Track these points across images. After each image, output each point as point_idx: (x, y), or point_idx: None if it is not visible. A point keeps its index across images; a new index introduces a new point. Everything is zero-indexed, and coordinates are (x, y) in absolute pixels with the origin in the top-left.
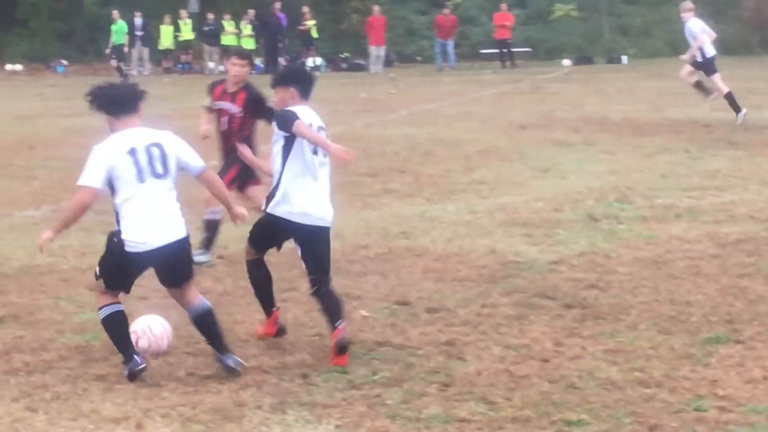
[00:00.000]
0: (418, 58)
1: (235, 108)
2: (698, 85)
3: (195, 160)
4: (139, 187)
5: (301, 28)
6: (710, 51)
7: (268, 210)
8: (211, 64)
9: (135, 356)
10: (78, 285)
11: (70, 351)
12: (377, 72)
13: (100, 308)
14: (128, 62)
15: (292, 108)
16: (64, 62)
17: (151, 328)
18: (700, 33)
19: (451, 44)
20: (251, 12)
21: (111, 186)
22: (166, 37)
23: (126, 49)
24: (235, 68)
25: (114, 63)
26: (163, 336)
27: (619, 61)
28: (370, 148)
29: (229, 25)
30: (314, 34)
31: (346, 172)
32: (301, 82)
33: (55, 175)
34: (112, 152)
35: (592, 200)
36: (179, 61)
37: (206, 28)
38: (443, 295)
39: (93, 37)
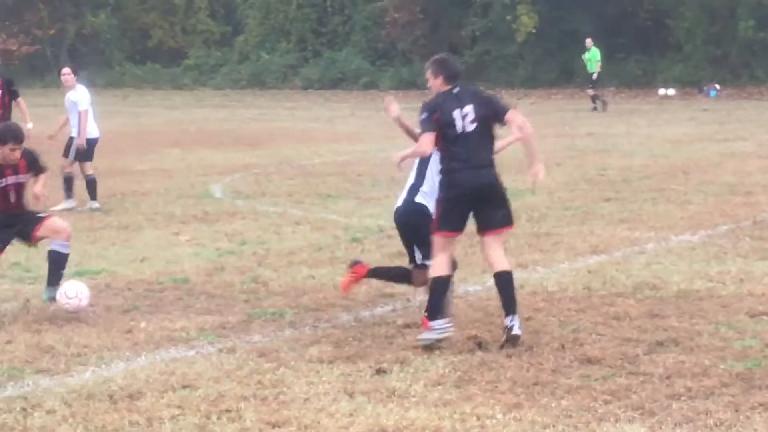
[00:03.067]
0: None
1: (23, 177)
2: None
3: None
4: None
5: None
6: None
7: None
8: None
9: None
10: (738, 311)
11: (731, 378)
12: None
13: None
14: (599, 89)
15: None
16: (717, 86)
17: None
18: None
19: None
20: None
21: None
22: None
23: (594, 76)
24: (13, 154)
25: (590, 92)
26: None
27: None
28: None
29: None
30: None
31: None
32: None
33: (711, 200)
34: None
35: None
36: None
37: None
38: None
39: (747, 61)
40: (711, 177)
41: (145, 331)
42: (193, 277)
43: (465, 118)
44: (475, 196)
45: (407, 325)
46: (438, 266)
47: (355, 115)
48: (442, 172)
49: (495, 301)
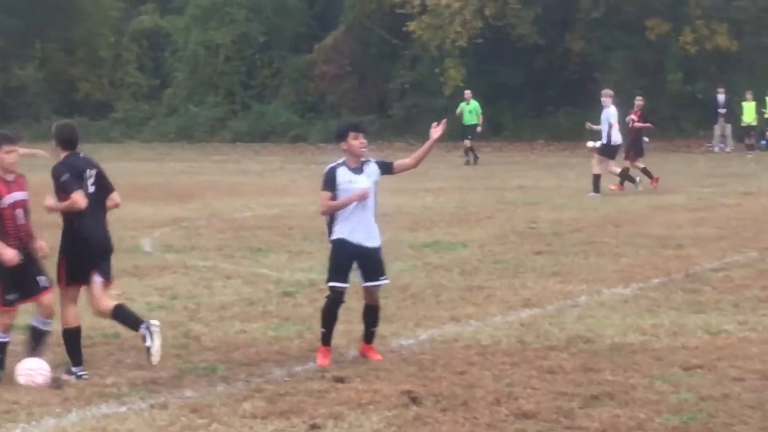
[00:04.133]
0: None
1: (25, 194)
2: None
3: None
4: None
5: None
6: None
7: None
8: None
9: None
10: (672, 364)
11: (666, 431)
12: None
13: None
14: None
15: None
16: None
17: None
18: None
19: None
20: None
21: None
22: (748, 114)
23: (479, 129)
24: (11, 156)
25: (467, 143)
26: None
27: None
28: None
29: None
30: None
31: None
32: None
33: (642, 253)
34: None
35: None
36: (763, 137)
37: None
38: None
39: (675, 114)
40: (642, 230)
41: (76, 386)
42: (123, 331)
43: (89, 180)
44: (98, 251)
45: (341, 380)
46: (72, 318)
47: (284, 168)
48: (68, 228)
49: (429, 354)
